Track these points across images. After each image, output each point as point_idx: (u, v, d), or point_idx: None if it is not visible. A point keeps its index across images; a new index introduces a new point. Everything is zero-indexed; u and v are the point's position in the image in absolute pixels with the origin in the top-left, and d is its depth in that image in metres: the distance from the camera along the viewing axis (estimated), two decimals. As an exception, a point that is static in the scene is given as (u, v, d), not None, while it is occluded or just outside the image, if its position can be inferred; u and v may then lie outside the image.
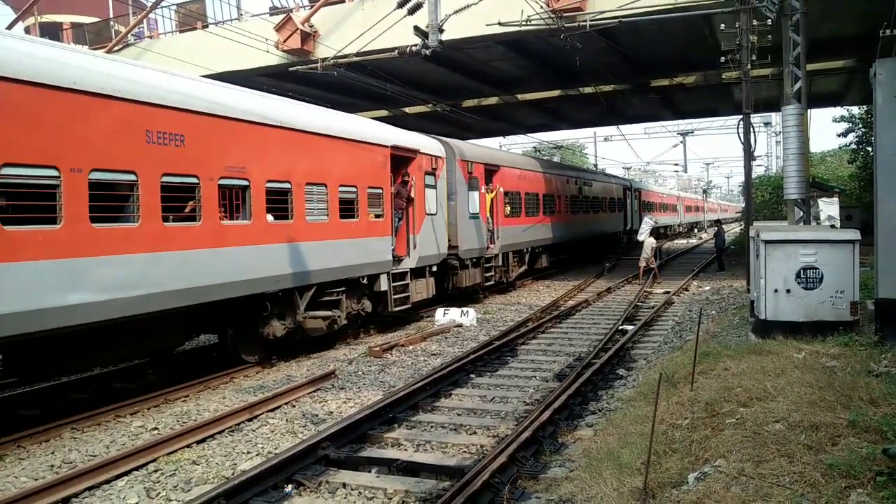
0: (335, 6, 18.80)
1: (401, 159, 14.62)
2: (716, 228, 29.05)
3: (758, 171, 50.43)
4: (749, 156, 18.44)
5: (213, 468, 6.67)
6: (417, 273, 15.09)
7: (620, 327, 13.42)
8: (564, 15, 15.58)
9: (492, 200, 19.32)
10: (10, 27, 21.87)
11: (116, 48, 21.03)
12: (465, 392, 9.27)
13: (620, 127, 41.29)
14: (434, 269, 15.87)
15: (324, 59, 16.25)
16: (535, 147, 47.19)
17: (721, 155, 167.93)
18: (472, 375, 10.06)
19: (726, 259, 26.79)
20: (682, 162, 55.80)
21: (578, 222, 28.88)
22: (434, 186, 15.83)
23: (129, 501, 5.92)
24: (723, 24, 16.77)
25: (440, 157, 16.28)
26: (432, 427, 7.76)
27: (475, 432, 7.55)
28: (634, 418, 6.92)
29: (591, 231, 30.96)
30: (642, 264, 23.13)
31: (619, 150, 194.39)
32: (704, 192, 73.85)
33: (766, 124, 51.34)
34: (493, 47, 19.76)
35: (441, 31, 13.73)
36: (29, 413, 8.57)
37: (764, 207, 37.75)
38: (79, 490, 6.08)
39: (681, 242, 51.20)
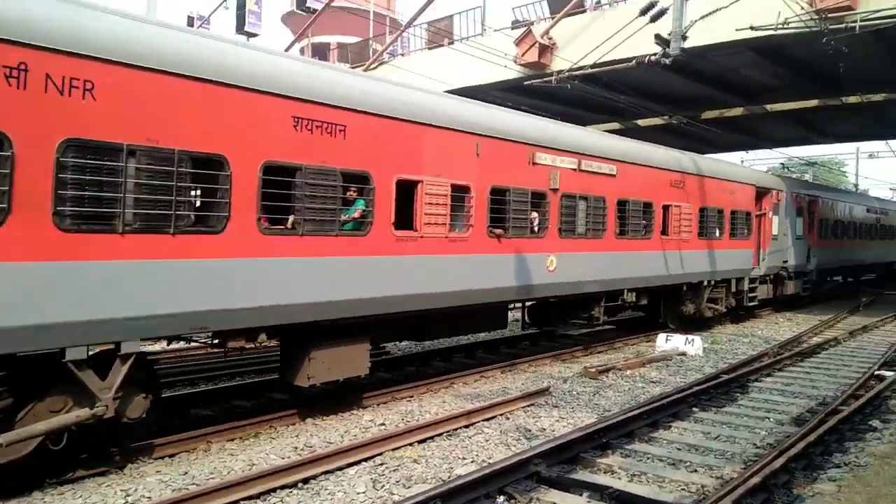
0: (575, 17, 18.81)
1: None
2: None
3: None
4: None
5: (431, 468, 7.03)
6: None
7: (877, 372, 11.79)
8: (830, 16, 14.05)
9: None
10: (288, 48, 25.07)
11: (373, 66, 23.07)
12: (686, 426, 8.78)
13: (890, 142, 35.80)
14: None
15: (559, 72, 16.36)
16: (782, 164, 42.86)
17: None
18: (695, 409, 9.50)
19: None
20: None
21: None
22: None
23: (358, 490, 6.45)
24: None
25: None
26: (648, 458, 7.47)
27: (696, 470, 7.13)
28: (889, 478, 6.17)
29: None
30: None
31: (887, 169, 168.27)
32: None
33: None
34: (741, 53, 18.39)
35: (684, 38, 13.14)
36: (280, 397, 9.69)
37: None
38: (316, 473, 6.76)
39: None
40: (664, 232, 15.03)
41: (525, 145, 11.12)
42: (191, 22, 24.12)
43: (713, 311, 17.40)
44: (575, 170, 12.21)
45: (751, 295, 19.02)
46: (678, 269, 15.55)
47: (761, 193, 19.86)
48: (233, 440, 7.92)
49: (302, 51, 34.14)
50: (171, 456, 7.38)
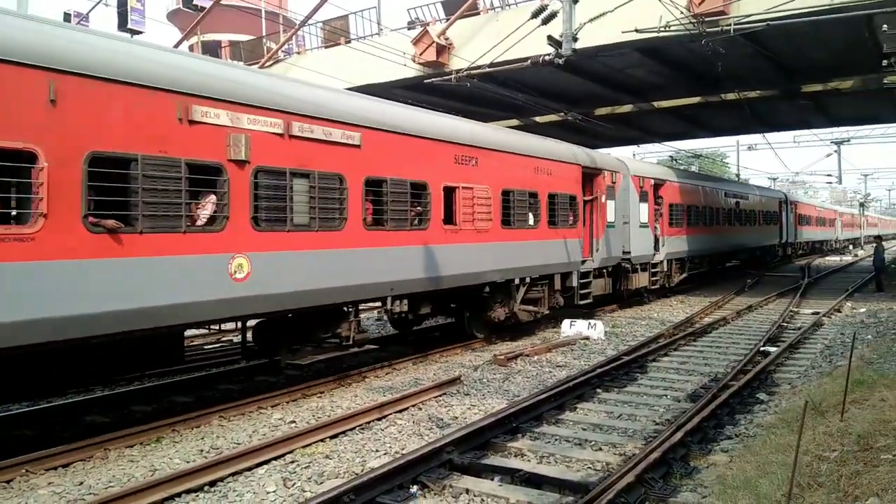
0: (470, 19, 19.13)
1: None
2: (875, 245, 26.64)
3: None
4: (915, 167, 16.72)
5: (344, 463, 6.96)
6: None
7: (762, 348, 12.62)
8: (706, 20, 14.95)
9: None
10: (177, 45, 24.08)
11: (268, 63, 22.50)
12: (590, 406, 9.10)
13: (766, 135, 38.29)
14: None
15: (457, 71, 16.55)
16: (670, 156, 45.33)
17: (881, 165, 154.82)
18: (599, 390, 9.86)
19: (885, 279, 24.51)
20: (835, 173, 51.45)
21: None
22: None
23: (268, 489, 6.29)
24: (885, 25, 15.38)
25: None
26: (556, 440, 7.68)
27: (601, 448, 7.39)
28: (775, 446, 6.50)
29: None
30: None
31: (764, 160, 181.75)
32: (861, 205, 67.81)
33: (936, 131, 46.20)
34: (628, 54, 19.26)
35: (575, 39, 13.60)
36: (183, 400, 9.33)
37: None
38: (224, 475, 6.54)
39: (833, 259, 47.48)
40: (448, 221, 11.74)
41: (170, 93, 7.34)
42: (67, 18, 22.64)
43: (532, 315, 14.52)
44: (281, 135, 8.57)
45: (583, 292, 16.17)
46: (473, 266, 12.29)
47: (590, 175, 16.90)
48: (132, 446, 7.53)
49: (191, 48, 32.81)
50: (64, 466, 6.91)
